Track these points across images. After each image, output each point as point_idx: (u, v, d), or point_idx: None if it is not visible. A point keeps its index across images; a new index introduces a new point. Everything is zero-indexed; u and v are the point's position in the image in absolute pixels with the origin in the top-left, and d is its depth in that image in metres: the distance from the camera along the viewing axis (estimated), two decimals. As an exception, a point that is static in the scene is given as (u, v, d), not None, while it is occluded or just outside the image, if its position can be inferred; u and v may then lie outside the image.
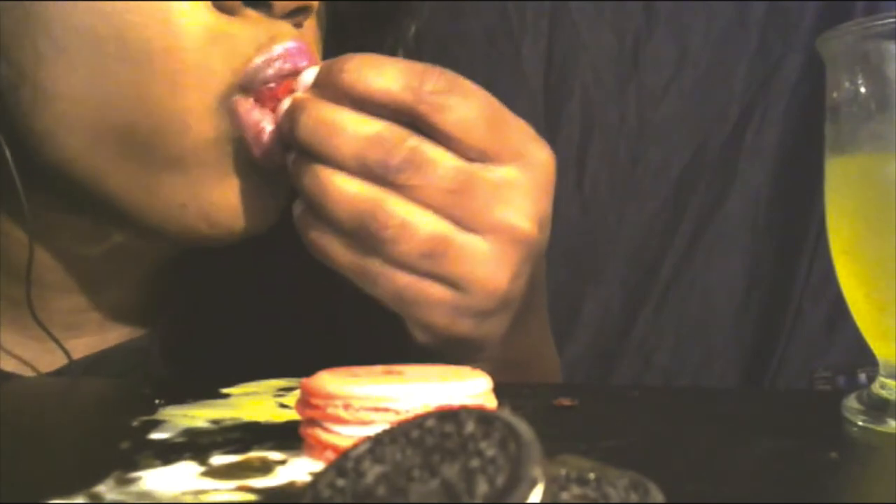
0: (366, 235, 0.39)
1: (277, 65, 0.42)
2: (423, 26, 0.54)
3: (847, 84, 0.35)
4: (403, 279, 0.39)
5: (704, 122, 0.98)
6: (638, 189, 0.98)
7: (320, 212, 0.40)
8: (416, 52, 0.53)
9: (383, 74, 0.39)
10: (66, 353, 0.48)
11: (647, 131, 0.98)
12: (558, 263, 0.94)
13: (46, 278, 0.47)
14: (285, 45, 0.42)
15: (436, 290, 0.40)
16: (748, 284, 0.97)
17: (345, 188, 0.39)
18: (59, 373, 0.49)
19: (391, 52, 0.51)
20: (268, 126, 0.42)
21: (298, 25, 0.44)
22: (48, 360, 0.49)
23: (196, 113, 0.41)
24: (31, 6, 0.40)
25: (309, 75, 0.41)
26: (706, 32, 0.98)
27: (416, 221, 0.39)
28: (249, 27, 0.42)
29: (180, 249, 0.52)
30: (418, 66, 0.40)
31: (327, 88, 0.40)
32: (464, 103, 0.39)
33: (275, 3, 0.42)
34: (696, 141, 0.98)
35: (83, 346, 0.50)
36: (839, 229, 0.36)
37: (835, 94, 0.36)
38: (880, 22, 0.33)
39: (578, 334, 0.96)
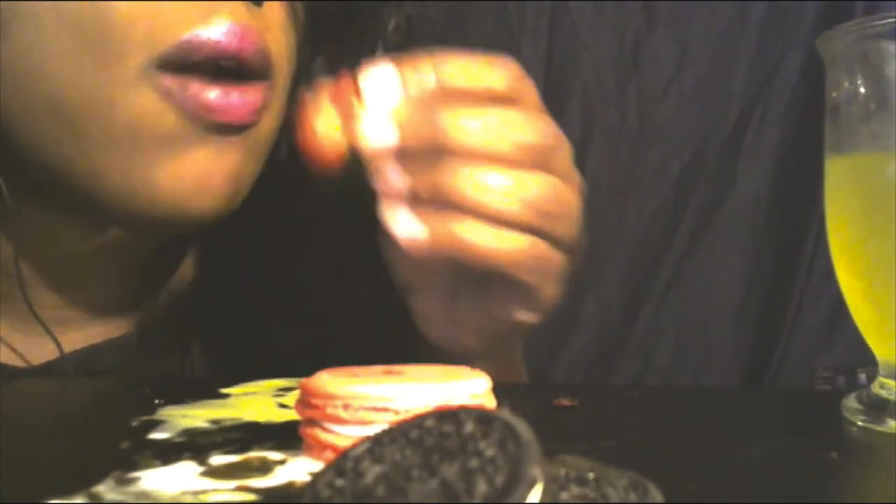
0: (528, 213, 0.38)
1: (210, 46, 0.40)
2: (420, 25, 0.54)
3: (847, 84, 0.35)
4: (543, 247, 0.39)
5: (704, 122, 0.98)
6: (638, 189, 0.98)
7: (462, 204, 0.37)
8: (398, 45, 0.52)
9: (490, 75, 0.38)
10: (59, 345, 0.48)
11: (647, 131, 0.98)
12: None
13: (30, 273, 0.48)
14: (222, 28, 0.40)
15: (555, 254, 0.39)
16: (748, 284, 0.98)
17: (487, 174, 0.37)
18: (49, 365, 0.49)
19: (371, 46, 0.50)
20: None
21: (257, 3, 0.42)
22: (37, 353, 0.49)
23: (119, 87, 0.40)
24: None
25: (381, 83, 0.38)
26: (706, 32, 0.98)
27: (550, 181, 0.38)
28: (187, 3, 0.40)
29: (166, 243, 0.52)
30: (503, 61, 0.39)
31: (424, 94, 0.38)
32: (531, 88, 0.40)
33: None
34: (696, 141, 0.98)
35: (71, 340, 0.50)
36: (839, 229, 0.36)
37: (834, 94, 0.36)
38: (880, 22, 0.33)
39: (578, 334, 0.96)
